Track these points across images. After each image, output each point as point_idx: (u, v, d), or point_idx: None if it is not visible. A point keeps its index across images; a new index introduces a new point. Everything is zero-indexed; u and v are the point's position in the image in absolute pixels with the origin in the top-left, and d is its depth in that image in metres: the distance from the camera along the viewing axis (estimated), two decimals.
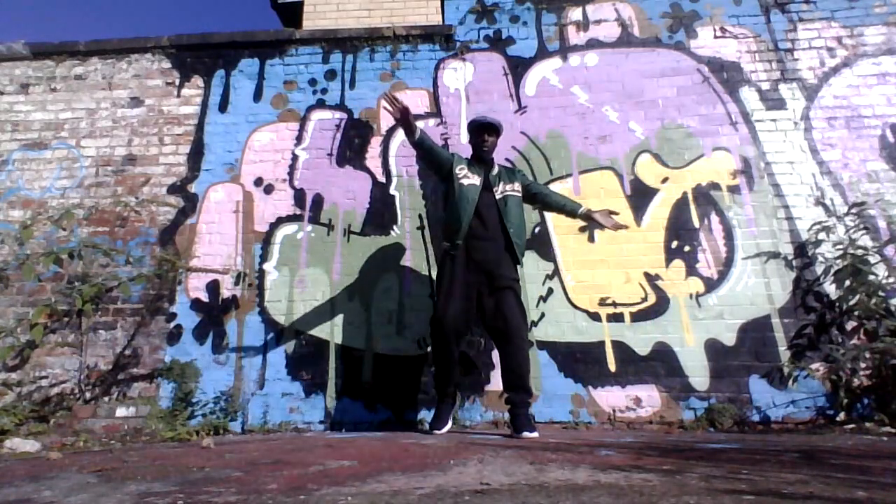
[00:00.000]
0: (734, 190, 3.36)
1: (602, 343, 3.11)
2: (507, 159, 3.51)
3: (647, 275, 3.23)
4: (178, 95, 3.87)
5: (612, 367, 3.06)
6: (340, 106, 3.77)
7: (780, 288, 3.13)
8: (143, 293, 3.38)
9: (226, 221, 3.54)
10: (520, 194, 2.81)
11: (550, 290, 3.24)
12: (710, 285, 3.18)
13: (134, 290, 3.33)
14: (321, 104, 3.78)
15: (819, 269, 3.14)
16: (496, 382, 3.05)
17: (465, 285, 2.59)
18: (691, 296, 3.16)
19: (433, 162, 2.79)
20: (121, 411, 3.16)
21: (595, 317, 3.17)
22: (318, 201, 3.55)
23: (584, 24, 3.83)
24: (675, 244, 3.27)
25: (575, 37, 3.80)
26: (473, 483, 1.29)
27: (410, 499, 1.14)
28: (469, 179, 2.71)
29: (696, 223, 3.31)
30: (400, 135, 3.66)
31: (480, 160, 2.80)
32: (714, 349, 3.04)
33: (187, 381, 3.18)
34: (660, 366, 3.04)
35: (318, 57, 3.90)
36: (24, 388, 3.18)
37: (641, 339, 3.10)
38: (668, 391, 2.99)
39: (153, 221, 3.57)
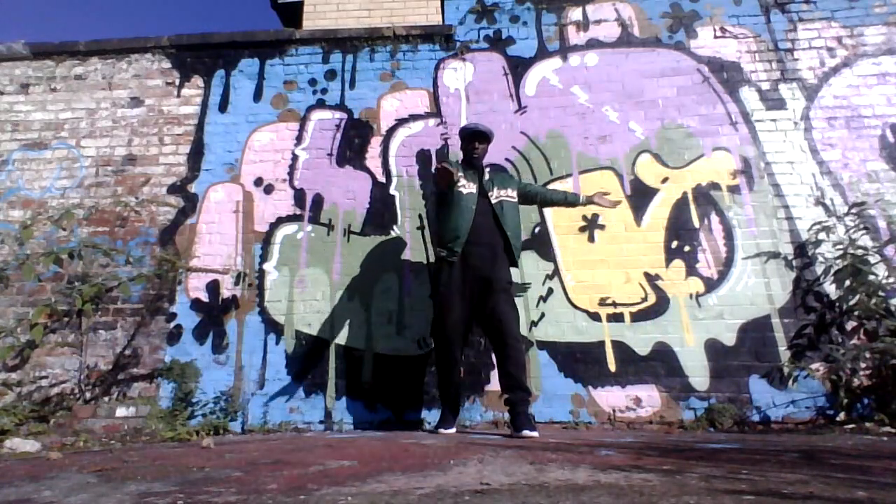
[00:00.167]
0: (734, 190, 3.36)
1: (602, 343, 3.11)
2: (506, 159, 3.51)
3: (647, 275, 3.23)
4: (178, 95, 3.87)
5: (612, 367, 3.06)
6: (340, 106, 3.77)
7: (780, 288, 3.13)
8: (143, 293, 3.38)
9: (226, 221, 3.54)
10: (515, 199, 2.89)
11: (550, 290, 3.24)
12: (710, 285, 3.18)
13: (134, 290, 3.33)
14: (321, 104, 3.78)
15: (819, 269, 3.14)
16: (496, 382, 3.04)
17: (463, 290, 2.66)
18: (691, 296, 3.16)
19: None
20: (121, 411, 3.16)
21: (595, 317, 3.17)
22: (318, 201, 3.55)
23: (584, 24, 3.83)
24: (675, 244, 3.27)
25: (575, 37, 3.80)
26: (473, 483, 1.29)
27: (410, 499, 1.14)
28: (467, 189, 2.76)
29: (696, 223, 3.31)
30: (400, 135, 3.67)
31: (472, 166, 2.86)
32: (714, 349, 3.04)
33: (187, 381, 3.18)
34: (660, 366, 3.04)
35: (318, 57, 3.90)
36: (24, 388, 3.18)
37: (641, 339, 3.10)
38: (668, 391, 2.99)
39: (153, 221, 3.57)
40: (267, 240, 3.48)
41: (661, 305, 3.16)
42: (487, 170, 2.94)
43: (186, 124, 3.79)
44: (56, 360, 3.28)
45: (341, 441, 2.34)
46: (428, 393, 3.10)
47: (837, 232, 3.17)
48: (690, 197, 3.36)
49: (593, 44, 3.77)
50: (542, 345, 3.14)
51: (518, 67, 3.74)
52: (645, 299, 3.18)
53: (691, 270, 3.21)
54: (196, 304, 3.37)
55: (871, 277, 2.91)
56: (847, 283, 2.95)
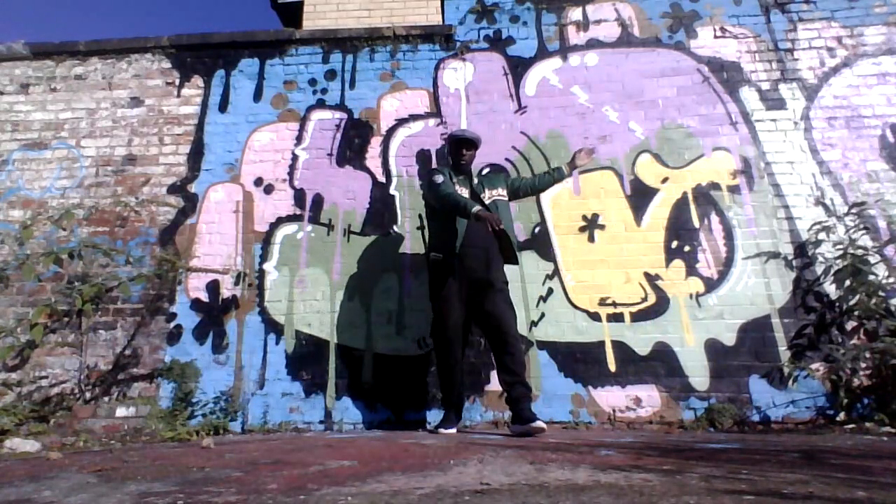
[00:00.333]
0: (734, 190, 3.36)
1: (602, 343, 3.11)
2: (506, 159, 3.51)
3: (647, 275, 3.23)
4: (178, 95, 3.87)
5: (612, 367, 3.06)
6: (340, 106, 3.77)
7: (780, 288, 3.13)
8: (143, 293, 3.38)
9: (226, 221, 3.54)
10: (506, 198, 2.95)
11: (550, 290, 3.24)
12: (710, 285, 3.18)
13: (134, 290, 3.33)
14: (321, 104, 3.78)
15: (819, 269, 3.14)
16: (496, 382, 3.04)
17: (461, 292, 2.71)
18: (691, 296, 3.16)
19: None
20: (121, 411, 3.16)
21: (595, 317, 3.17)
22: (318, 201, 3.55)
23: (584, 24, 3.83)
24: (675, 244, 3.27)
25: (575, 37, 3.80)
26: (473, 483, 1.29)
27: (410, 499, 1.14)
28: (459, 193, 2.79)
29: (696, 223, 3.30)
30: (400, 134, 3.67)
31: (461, 171, 2.92)
32: (714, 349, 3.04)
33: (187, 381, 3.18)
34: (660, 366, 3.04)
35: (318, 57, 3.90)
36: (24, 388, 3.18)
37: (641, 339, 3.10)
38: (668, 391, 2.99)
39: (153, 221, 3.57)
40: (267, 240, 3.48)
41: (661, 305, 3.16)
42: (486, 170, 2.97)
43: (186, 124, 3.79)
44: (56, 360, 3.28)
45: (341, 441, 2.34)
46: (428, 393, 3.10)
47: (837, 232, 3.17)
48: (690, 197, 3.36)
49: (593, 44, 3.77)
50: (542, 345, 3.14)
51: (518, 67, 3.74)
52: (645, 299, 3.18)
53: (691, 270, 3.21)
54: (196, 304, 3.37)
55: (871, 277, 2.91)
56: (847, 283, 2.95)
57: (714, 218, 3.31)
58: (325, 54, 3.90)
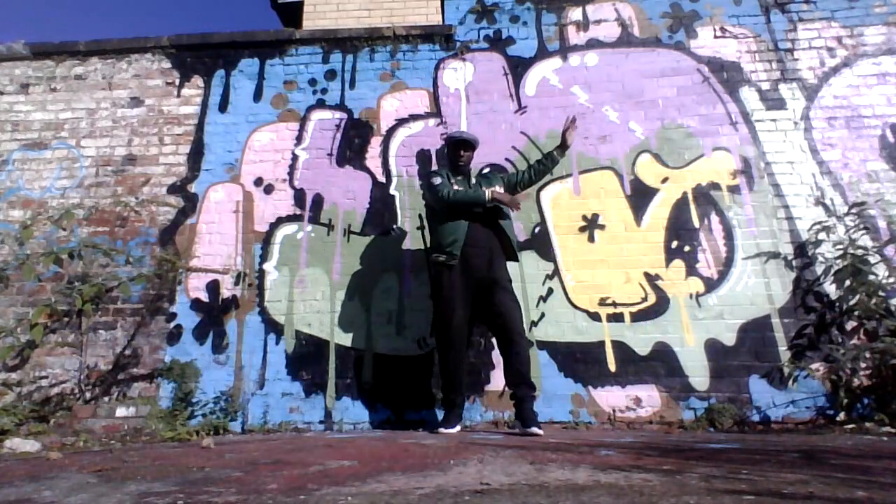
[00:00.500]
0: (734, 190, 3.36)
1: (602, 343, 3.11)
2: (506, 159, 3.51)
3: (647, 275, 3.23)
4: (178, 95, 3.87)
5: (612, 367, 3.06)
6: (340, 106, 3.77)
7: (780, 288, 3.13)
8: (143, 293, 3.38)
9: (226, 221, 3.54)
10: None
11: (550, 290, 3.24)
12: (710, 285, 3.18)
13: (134, 290, 3.32)
14: (321, 104, 3.78)
15: (819, 269, 3.14)
16: (496, 382, 3.05)
17: (465, 292, 2.73)
18: (691, 296, 3.16)
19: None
20: (121, 411, 3.16)
21: (595, 317, 3.17)
22: (318, 201, 3.55)
23: (584, 24, 3.83)
24: (675, 244, 3.27)
25: (575, 37, 3.80)
26: (473, 483, 1.29)
27: (410, 499, 1.14)
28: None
29: (696, 223, 3.30)
30: (400, 135, 3.67)
31: (459, 171, 2.95)
32: (714, 349, 3.04)
33: (187, 381, 3.18)
34: (660, 366, 3.04)
35: (318, 57, 3.90)
36: (24, 388, 3.18)
37: (641, 339, 3.10)
38: (668, 391, 2.99)
39: (153, 221, 3.57)
40: (267, 240, 3.48)
41: (661, 305, 3.16)
42: (486, 169, 2.98)
43: (186, 124, 3.79)
44: (56, 360, 3.28)
45: (341, 441, 2.34)
46: (428, 393, 3.10)
47: (837, 232, 3.17)
48: (690, 197, 3.36)
49: (593, 44, 3.77)
50: (542, 345, 3.14)
51: (518, 67, 3.74)
52: (645, 299, 3.18)
53: (691, 270, 3.21)
54: (196, 304, 3.37)
55: (871, 277, 2.91)
56: (847, 283, 2.95)
57: (714, 218, 3.31)
58: (325, 54, 3.90)
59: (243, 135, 3.74)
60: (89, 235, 3.52)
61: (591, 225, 3.35)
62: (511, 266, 2.90)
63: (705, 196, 3.36)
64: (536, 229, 3.37)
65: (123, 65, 3.96)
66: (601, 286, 3.22)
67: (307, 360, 3.22)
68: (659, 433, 2.75)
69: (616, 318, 3.15)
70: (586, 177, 3.46)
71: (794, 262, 3.18)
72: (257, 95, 3.83)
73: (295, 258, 3.43)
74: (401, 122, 3.70)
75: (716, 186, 3.37)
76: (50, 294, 3.39)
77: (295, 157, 3.66)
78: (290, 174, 3.62)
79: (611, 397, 3.01)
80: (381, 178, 3.58)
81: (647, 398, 2.99)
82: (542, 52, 3.77)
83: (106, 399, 3.20)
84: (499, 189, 2.91)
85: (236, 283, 3.40)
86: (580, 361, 3.09)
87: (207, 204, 3.59)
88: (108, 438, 2.91)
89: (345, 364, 3.20)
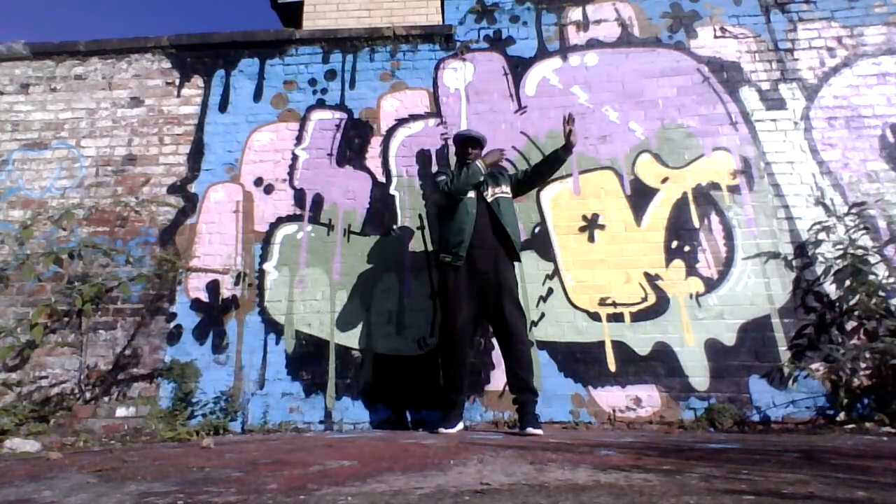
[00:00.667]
0: (734, 190, 3.36)
1: (602, 343, 3.11)
2: (507, 159, 3.51)
3: (647, 275, 3.23)
4: (178, 95, 3.87)
5: (612, 367, 3.06)
6: (340, 106, 3.77)
7: (780, 288, 3.13)
8: (143, 293, 3.38)
9: (226, 221, 3.54)
10: (509, 195, 2.95)
11: (550, 290, 3.24)
12: (710, 285, 3.18)
13: (134, 290, 3.32)
14: (321, 104, 3.78)
15: (819, 269, 3.14)
16: (496, 382, 3.06)
17: (469, 292, 2.74)
18: (691, 296, 3.16)
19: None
20: (121, 411, 3.16)
21: (595, 317, 3.17)
22: (318, 201, 3.55)
23: (584, 24, 3.83)
24: (675, 244, 3.27)
25: (575, 37, 3.80)
26: (473, 483, 1.29)
27: (410, 499, 1.14)
28: (466, 194, 2.82)
29: (696, 223, 3.30)
30: (400, 135, 3.66)
31: None
32: (714, 349, 3.04)
33: (187, 381, 3.18)
34: (660, 366, 3.04)
35: (318, 57, 3.90)
36: (24, 388, 3.18)
37: (641, 339, 3.10)
38: (668, 391, 2.99)
39: (153, 221, 3.57)
40: (267, 240, 3.48)
41: (661, 305, 3.16)
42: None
43: (186, 124, 3.79)
44: (56, 360, 3.27)
45: (341, 441, 2.34)
46: (428, 393, 3.10)
47: (837, 232, 3.16)
48: (690, 197, 3.36)
49: (593, 44, 3.77)
50: (542, 345, 3.14)
51: (518, 67, 3.74)
52: (645, 299, 3.18)
53: (691, 270, 3.21)
54: (196, 304, 3.36)
55: (871, 277, 2.91)
56: (847, 283, 2.94)
57: (714, 218, 3.31)
58: (325, 54, 3.90)
59: (243, 135, 3.74)
60: (89, 235, 3.52)
61: (591, 225, 3.35)
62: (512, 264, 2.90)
63: (705, 196, 3.36)
64: (536, 229, 3.37)
65: (123, 65, 3.96)
66: (601, 286, 3.22)
67: (307, 360, 3.22)
68: (659, 433, 2.75)
69: (616, 318, 3.15)
70: (586, 177, 3.46)
71: (794, 262, 3.18)
72: (257, 95, 3.83)
73: (295, 258, 3.43)
74: (401, 122, 3.70)
75: (716, 186, 3.37)
76: (50, 294, 3.39)
77: (295, 157, 3.66)
78: (290, 174, 3.62)
79: (611, 397, 3.01)
80: (381, 178, 3.58)
81: (647, 398, 2.99)
82: (542, 52, 3.77)
83: (106, 399, 3.20)
84: (505, 188, 2.92)
85: (236, 283, 3.40)
86: (580, 361, 3.09)
87: (207, 204, 3.59)
88: (108, 438, 2.91)
89: (345, 364, 3.20)
